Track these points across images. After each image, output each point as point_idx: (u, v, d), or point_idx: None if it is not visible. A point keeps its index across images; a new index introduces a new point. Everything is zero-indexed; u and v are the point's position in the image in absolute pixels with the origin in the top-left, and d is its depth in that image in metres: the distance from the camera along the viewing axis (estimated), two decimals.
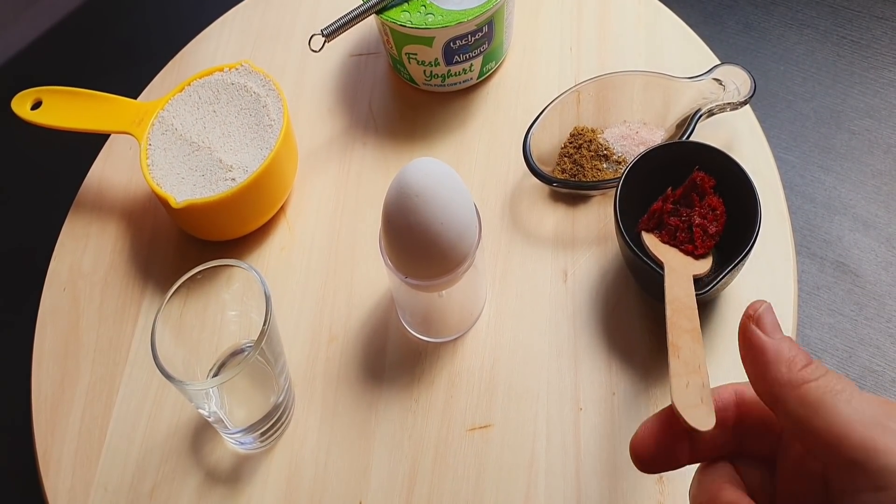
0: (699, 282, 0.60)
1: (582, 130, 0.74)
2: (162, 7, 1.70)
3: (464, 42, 0.75)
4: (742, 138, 0.75)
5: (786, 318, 0.65)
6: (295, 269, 0.73)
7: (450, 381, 0.65)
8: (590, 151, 0.73)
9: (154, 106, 0.75)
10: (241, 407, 0.62)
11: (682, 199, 0.65)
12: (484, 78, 0.81)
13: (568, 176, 0.73)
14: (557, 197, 0.73)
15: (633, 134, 0.74)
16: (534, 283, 0.69)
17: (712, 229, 0.63)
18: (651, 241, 0.64)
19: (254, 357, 0.55)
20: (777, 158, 0.73)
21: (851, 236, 1.30)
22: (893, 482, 0.33)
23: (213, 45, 0.89)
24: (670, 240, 0.64)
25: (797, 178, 1.35)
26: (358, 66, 0.85)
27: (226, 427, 0.61)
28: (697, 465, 0.44)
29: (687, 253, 0.63)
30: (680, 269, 0.60)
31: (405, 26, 0.73)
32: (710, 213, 0.64)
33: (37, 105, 0.76)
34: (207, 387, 0.55)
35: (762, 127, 0.75)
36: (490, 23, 0.75)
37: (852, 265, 1.28)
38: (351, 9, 0.74)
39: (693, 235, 0.63)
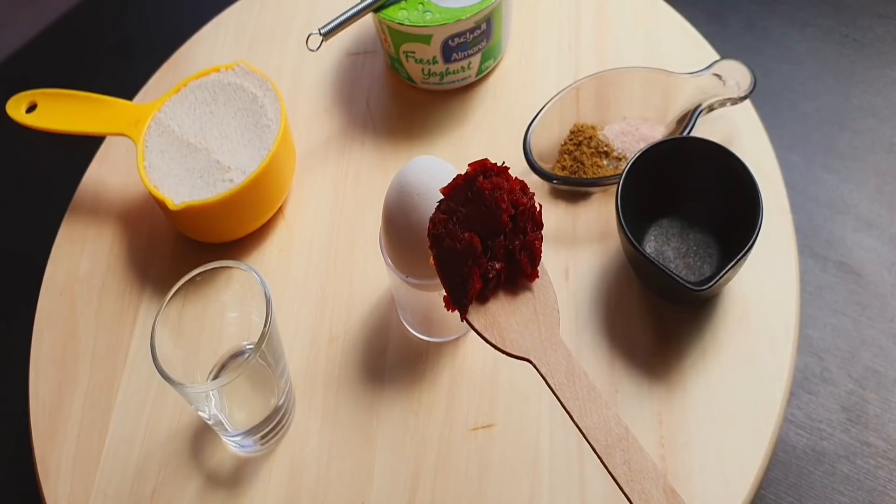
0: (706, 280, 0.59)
1: (582, 127, 0.74)
2: (158, 7, 1.70)
3: (462, 40, 0.75)
4: (742, 134, 0.74)
5: (788, 318, 0.65)
6: (294, 270, 0.72)
7: (452, 380, 0.65)
8: (590, 148, 0.73)
9: (150, 107, 0.74)
10: (242, 409, 0.61)
11: (489, 244, 0.49)
12: (482, 76, 0.81)
13: (568, 173, 0.72)
14: (558, 194, 0.73)
15: (633, 130, 0.74)
16: None
17: (509, 208, 0.48)
18: (483, 323, 0.49)
19: (254, 359, 0.55)
20: (779, 158, 0.73)
21: (854, 236, 1.30)
22: None
23: (210, 45, 0.89)
24: (500, 286, 0.50)
25: (799, 177, 1.35)
26: (355, 65, 0.85)
27: (226, 430, 0.61)
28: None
29: (524, 279, 0.50)
30: (557, 361, 0.46)
31: (403, 24, 0.73)
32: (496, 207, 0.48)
33: (32, 108, 0.76)
34: (207, 389, 0.55)
35: (764, 126, 0.75)
36: (488, 20, 0.75)
37: (855, 265, 1.27)
38: (348, 7, 0.73)
39: (516, 256, 0.49)
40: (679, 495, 0.42)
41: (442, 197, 0.50)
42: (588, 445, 0.58)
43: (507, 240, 0.48)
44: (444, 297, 0.49)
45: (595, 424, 0.44)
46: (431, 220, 0.49)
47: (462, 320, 0.49)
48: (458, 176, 0.49)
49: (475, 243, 0.47)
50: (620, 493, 0.58)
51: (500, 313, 0.49)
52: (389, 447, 0.63)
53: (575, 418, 0.44)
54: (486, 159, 0.49)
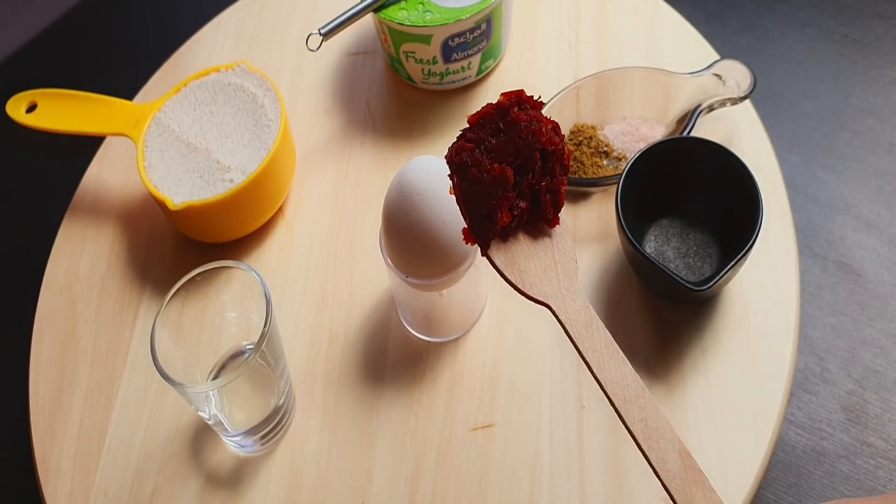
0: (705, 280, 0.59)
1: (582, 127, 0.74)
2: (158, 7, 1.70)
3: (462, 40, 0.74)
4: (742, 134, 0.74)
5: (788, 318, 0.65)
6: (294, 270, 0.72)
7: (452, 380, 0.65)
8: (590, 148, 0.73)
9: (150, 107, 0.74)
10: (242, 409, 0.61)
11: (518, 180, 0.47)
12: (482, 76, 0.81)
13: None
14: None
15: (633, 130, 0.73)
16: None
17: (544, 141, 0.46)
18: (504, 261, 0.47)
19: (254, 359, 0.55)
20: (779, 158, 0.73)
21: (854, 236, 1.30)
22: None
23: (209, 45, 0.89)
24: (520, 228, 0.48)
25: (799, 177, 1.35)
26: (355, 65, 0.85)
27: (226, 430, 0.61)
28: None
29: (543, 224, 0.48)
30: (576, 311, 0.45)
31: (403, 24, 0.73)
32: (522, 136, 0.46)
33: (32, 108, 0.76)
34: (207, 389, 0.55)
35: (764, 126, 0.75)
36: (488, 20, 0.74)
37: (855, 265, 1.27)
38: (348, 7, 0.73)
39: (540, 198, 0.47)
40: (693, 459, 0.41)
41: (466, 126, 0.47)
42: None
43: (534, 178, 0.46)
44: (464, 229, 0.47)
45: (613, 378, 0.43)
46: (454, 147, 0.47)
47: (483, 255, 0.47)
48: (489, 105, 0.47)
49: (508, 174, 0.45)
50: (620, 492, 0.59)
51: (520, 255, 0.47)
52: (389, 447, 0.63)
53: (594, 369, 0.43)
54: (521, 90, 0.46)
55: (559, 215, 0.48)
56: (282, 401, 0.62)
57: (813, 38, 1.54)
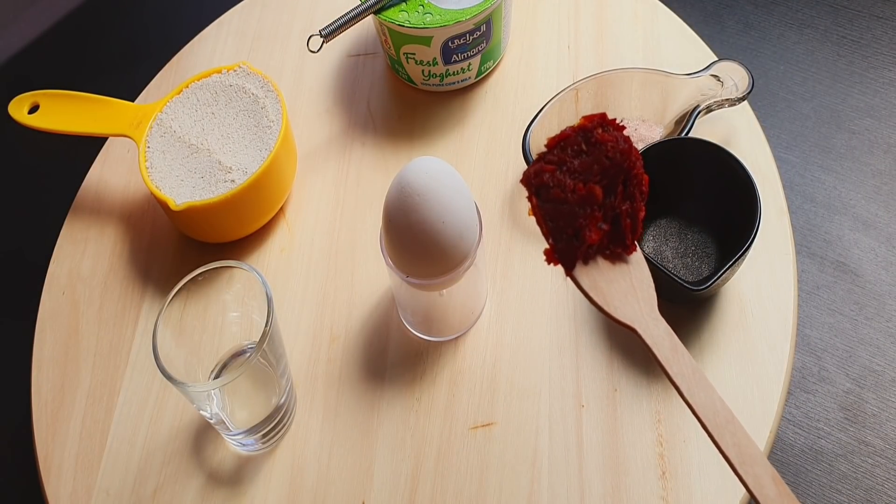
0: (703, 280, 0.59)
1: None
2: (160, 9, 1.70)
3: (462, 41, 0.75)
4: (740, 134, 0.75)
5: (786, 317, 0.65)
6: (295, 270, 0.73)
7: (451, 379, 0.65)
8: None
9: (152, 108, 0.74)
10: (243, 408, 0.61)
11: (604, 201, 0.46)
12: (482, 77, 0.81)
13: None
14: None
15: (632, 131, 0.74)
16: (534, 280, 0.69)
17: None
18: (588, 283, 0.46)
19: (256, 358, 0.55)
20: (777, 158, 0.73)
21: (851, 236, 1.30)
22: None
23: (211, 46, 0.89)
24: (598, 252, 0.47)
25: (797, 177, 1.35)
26: (356, 67, 0.85)
27: (228, 429, 0.61)
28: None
29: (620, 251, 0.47)
30: (660, 336, 0.45)
31: (403, 26, 0.73)
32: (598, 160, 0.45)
33: (34, 109, 0.76)
34: (209, 388, 0.55)
35: (762, 126, 0.75)
36: (488, 21, 0.75)
37: (852, 265, 1.27)
38: (349, 9, 0.74)
39: (621, 225, 0.47)
40: (786, 486, 0.41)
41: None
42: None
43: (616, 201, 0.46)
44: (546, 250, 0.46)
45: (704, 403, 0.42)
46: (532, 170, 0.46)
47: (567, 276, 0.46)
48: (569, 127, 0.46)
49: (597, 192, 0.45)
50: (619, 491, 0.59)
51: (601, 279, 0.46)
52: (390, 446, 0.63)
53: (684, 394, 0.43)
54: (604, 113, 0.46)
55: (635, 242, 0.48)
56: (283, 400, 0.62)
57: (811, 40, 1.54)
